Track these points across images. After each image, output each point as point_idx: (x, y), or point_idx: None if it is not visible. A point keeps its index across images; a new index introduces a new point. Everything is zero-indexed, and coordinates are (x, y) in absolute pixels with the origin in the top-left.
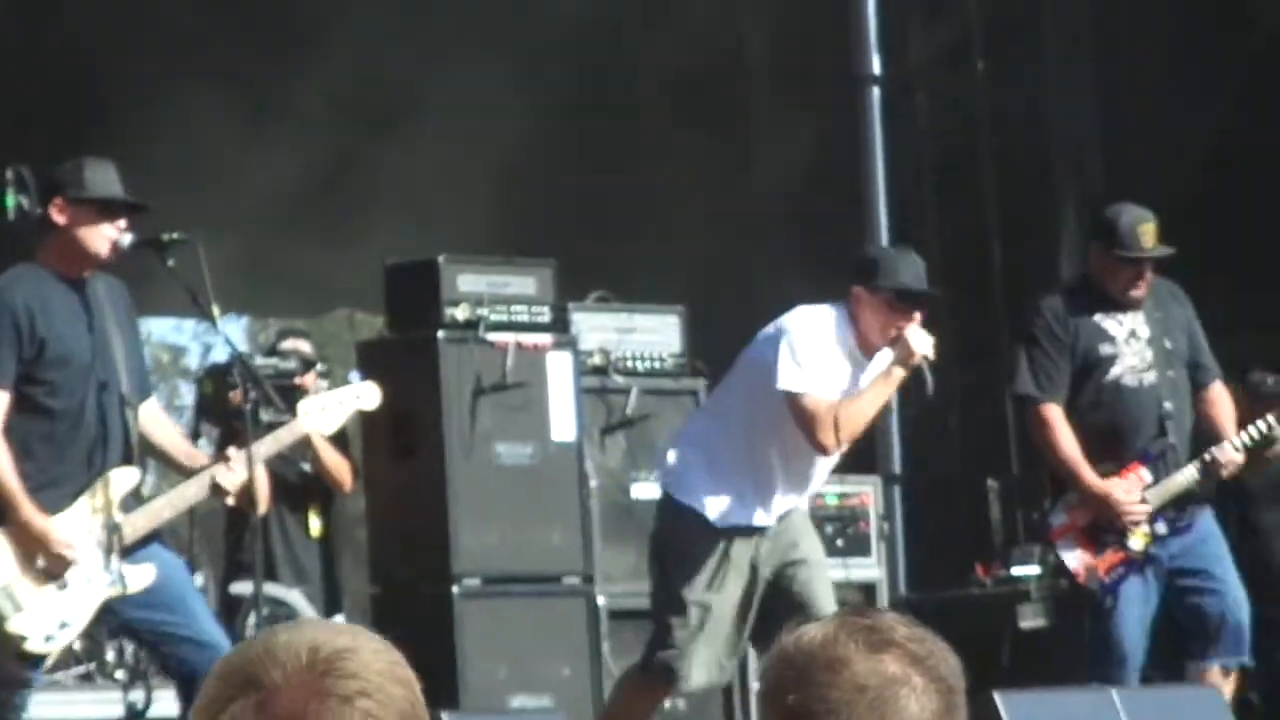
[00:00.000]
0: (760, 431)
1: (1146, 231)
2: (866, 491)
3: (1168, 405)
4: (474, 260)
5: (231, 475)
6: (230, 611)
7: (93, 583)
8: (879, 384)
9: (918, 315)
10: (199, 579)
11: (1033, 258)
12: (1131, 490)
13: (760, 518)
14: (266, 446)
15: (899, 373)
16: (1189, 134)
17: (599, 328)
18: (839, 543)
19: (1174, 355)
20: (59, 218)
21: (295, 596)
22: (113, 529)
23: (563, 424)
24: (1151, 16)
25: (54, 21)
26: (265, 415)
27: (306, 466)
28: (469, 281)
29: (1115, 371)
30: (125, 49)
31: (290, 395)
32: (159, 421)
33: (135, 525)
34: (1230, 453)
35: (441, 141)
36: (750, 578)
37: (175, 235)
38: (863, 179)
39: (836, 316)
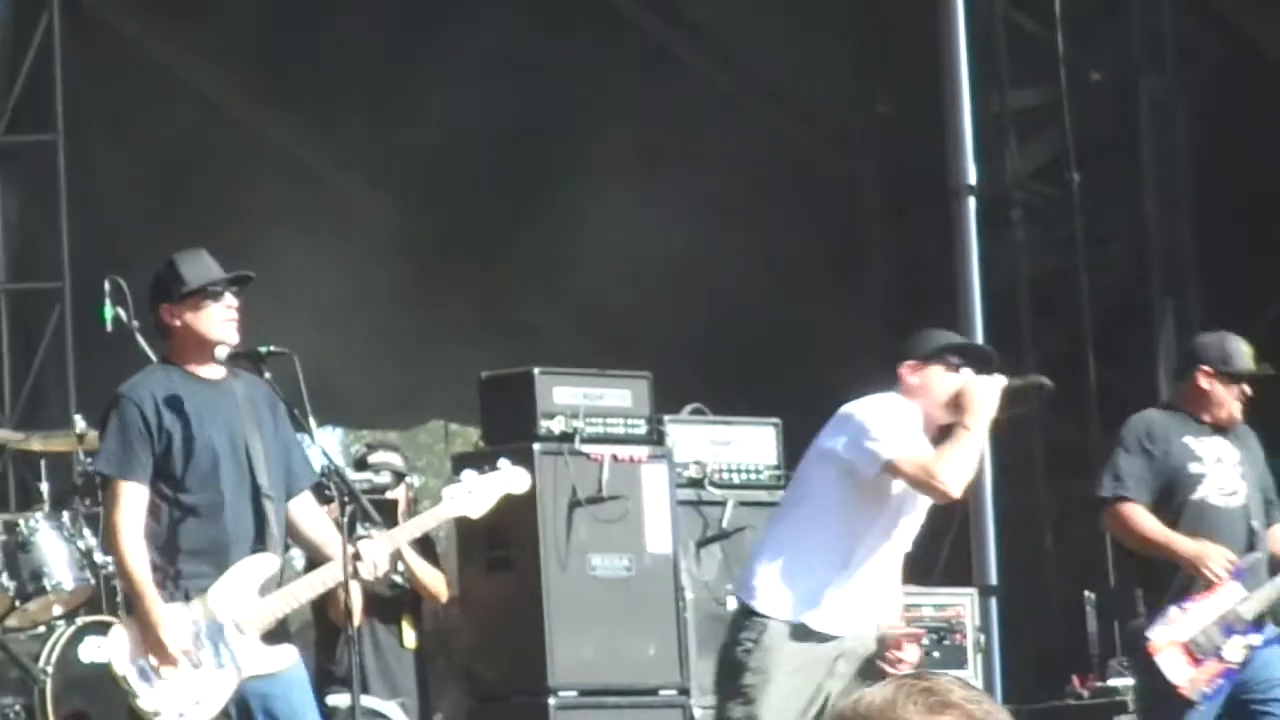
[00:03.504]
0: (845, 530)
1: (1249, 353)
2: (963, 603)
3: (1255, 524)
4: (569, 373)
5: (375, 550)
6: None
7: (228, 665)
8: (964, 434)
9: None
10: None
11: (1129, 374)
12: (1231, 595)
13: (843, 626)
14: (410, 530)
15: (978, 421)
16: None
17: (694, 440)
18: (935, 654)
19: (1257, 483)
20: (172, 321)
21: (393, 708)
22: (250, 612)
23: (658, 536)
24: (1250, 132)
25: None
26: (361, 529)
27: (399, 579)
28: (564, 394)
29: (1201, 491)
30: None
31: (382, 509)
32: (310, 515)
33: (273, 608)
34: None
35: (537, 258)
36: (819, 686)
37: (272, 348)
38: (958, 291)
39: (897, 398)
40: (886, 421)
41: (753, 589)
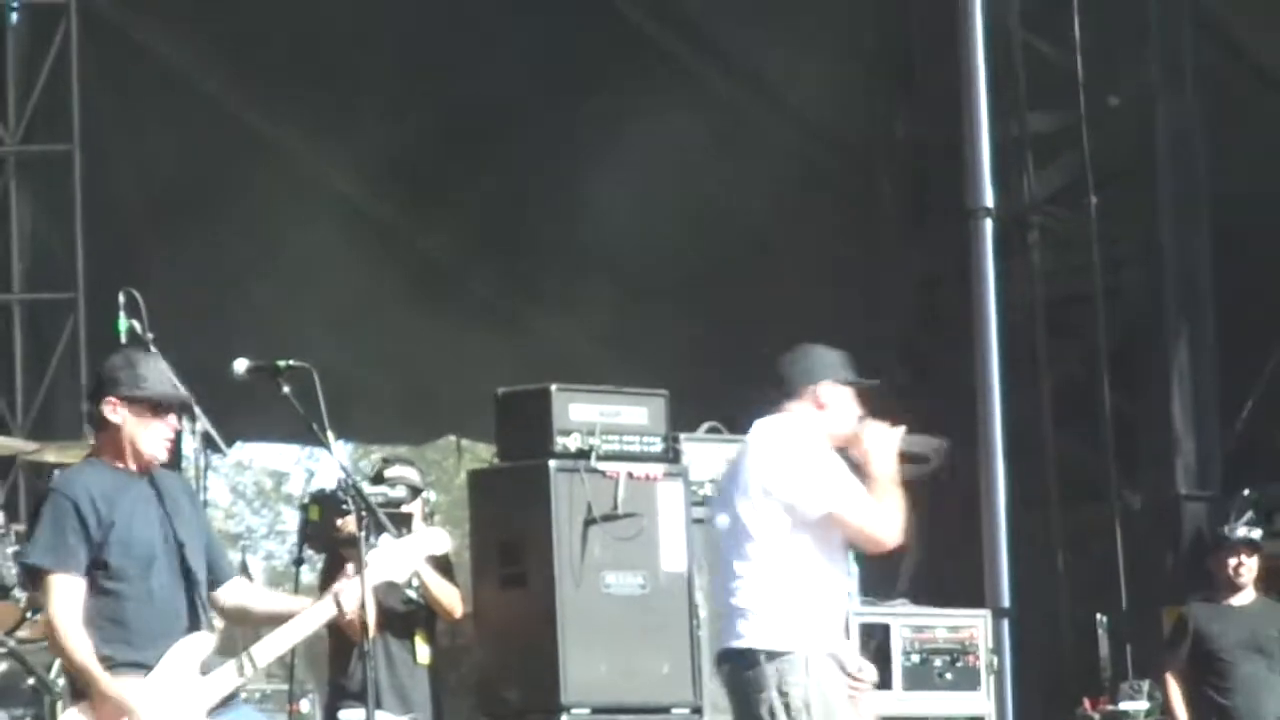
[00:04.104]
0: (805, 560)
1: None
2: (976, 625)
3: None
4: (586, 390)
5: (349, 600)
6: None
7: None
8: (877, 485)
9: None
10: (305, 704)
11: (1143, 398)
12: None
13: (839, 650)
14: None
15: (882, 469)
16: None
17: (710, 458)
18: (948, 676)
19: None
20: (113, 416)
21: None
22: (194, 692)
23: (673, 554)
24: (1267, 158)
25: (154, 142)
26: (376, 542)
27: (412, 594)
28: (581, 411)
29: None
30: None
31: (397, 523)
32: (253, 592)
33: (218, 685)
34: None
35: (553, 274)
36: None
37: (291, 362)
38: (974, 313)
39: (803, 423)
40: (820, 462)
41: (754, 632)
